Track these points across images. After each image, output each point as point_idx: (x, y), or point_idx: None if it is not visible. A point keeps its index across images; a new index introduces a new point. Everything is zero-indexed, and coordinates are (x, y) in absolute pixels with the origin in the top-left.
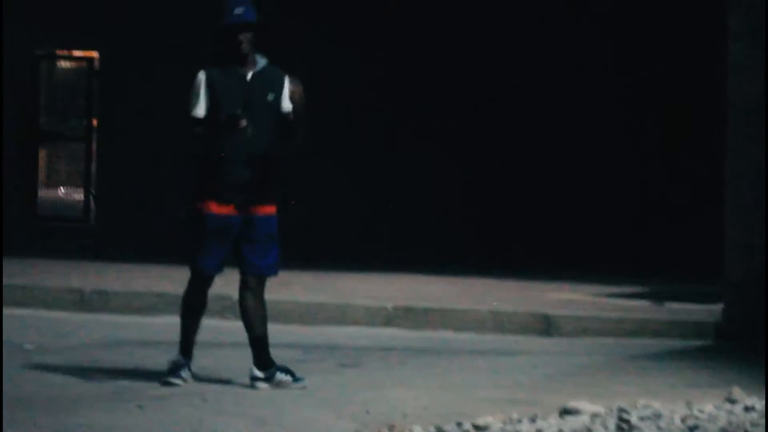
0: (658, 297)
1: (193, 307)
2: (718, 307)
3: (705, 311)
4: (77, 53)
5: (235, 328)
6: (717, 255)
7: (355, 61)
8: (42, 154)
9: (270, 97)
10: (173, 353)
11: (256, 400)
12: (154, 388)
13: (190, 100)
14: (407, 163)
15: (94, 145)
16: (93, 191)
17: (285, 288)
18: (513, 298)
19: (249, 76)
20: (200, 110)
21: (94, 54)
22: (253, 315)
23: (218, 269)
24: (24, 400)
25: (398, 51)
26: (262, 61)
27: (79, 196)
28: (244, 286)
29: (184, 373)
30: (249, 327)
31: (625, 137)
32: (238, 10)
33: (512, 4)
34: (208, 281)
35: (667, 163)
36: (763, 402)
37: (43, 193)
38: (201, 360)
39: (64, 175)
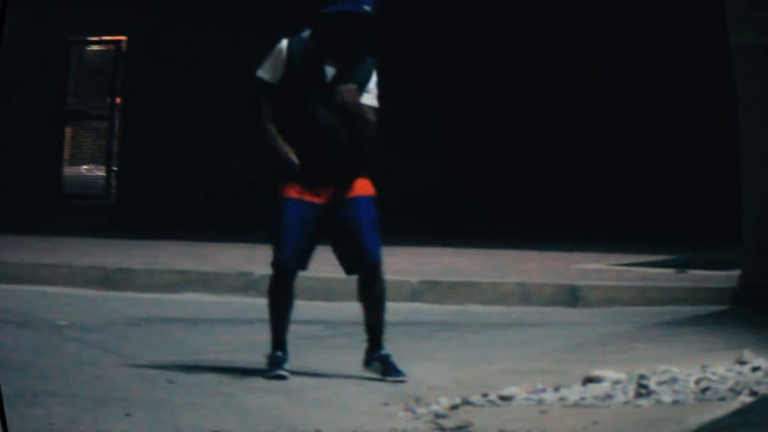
0: (679, 265)
1: (282, 303)
2: (736, 274)
3: (724, 277)
4: (105, 38)
5: (257, 305)
6: (736, 223)
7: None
8: (67, 132)
9: (353, 85)
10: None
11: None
12: (182, 363)
13: (265, 62)
14: (434, 136)
15: (116, 124)
16: (114, 168)
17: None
18: (540, 270)
19: (336, 67)
20: (268, 75)
21: (122, 38)
22: (372, 302)
23: (302, 263)
24: (62, 373)
25: (405, 50)
26: (360, 56)
27: (101, 173)
28: (350, 273)
29: (286, 365)
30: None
31: (647, 111)
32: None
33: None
34: (293, 274)
35: (687, 136)
36: None
37: (67, 170)
38: (226, 336)
39: (88, 153)
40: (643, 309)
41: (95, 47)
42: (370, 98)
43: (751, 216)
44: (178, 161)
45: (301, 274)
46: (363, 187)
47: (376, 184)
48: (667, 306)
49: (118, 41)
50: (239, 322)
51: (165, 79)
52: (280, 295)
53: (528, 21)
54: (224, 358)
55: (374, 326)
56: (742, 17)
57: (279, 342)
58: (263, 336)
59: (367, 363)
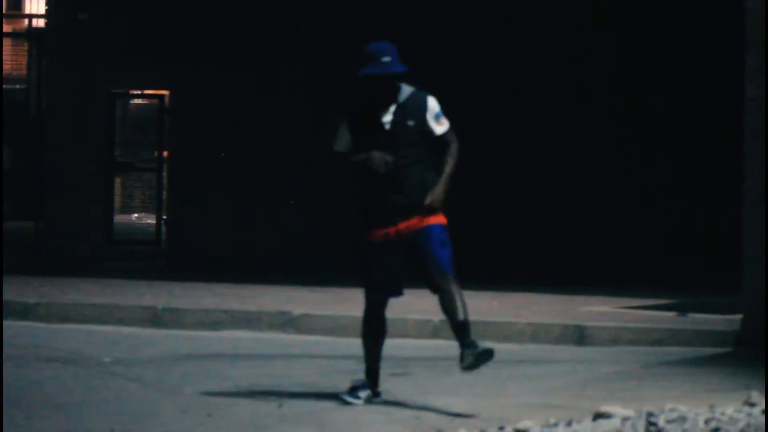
0: (682, 308)
1: (369, 332)
2: (736, 317)
3: (725, 321)
4: (149, 92)
5: (295, 341)
6: (734, 269)
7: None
8: (117, 182)
9: (410, 123)
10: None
11: (316, 406)
12: (222, 396)
13: (335, 136)
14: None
15: (164, 175)
16: (164, 216)
17: (343, 304)
18: (549, 311)
19: (390, 111)
20: (341, 147)
21: (165, 92)
22: (453, 308)
23: (390, 291)
24: (101, 408)
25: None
26: (406, 91)
27: (151, 220)
28: (434, 291)
29: (362, 393)
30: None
31: (650, 159)
32: (386, 59)
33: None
34: (381, 304)
35: (690, 186)
36: None
37: (118, 218)
38: (265, 369)
39: (138, 202)
40: (647, 349)
41: (139, 101)
42: (438, 125)
43: (752, 263)
44: (221, 209)
45: (338, 313)
46: (434, 217)
47: None
48: (669, 347)
49: (162, 95)
50: (277, 358)
51: (209, 131)
52: (370, 327)
53: (526, 61)
54: (261, 391)
55: (454, 328)
56: (762, 75)
57: (368, 370)
58: (298, 370)
59: (461, 358)
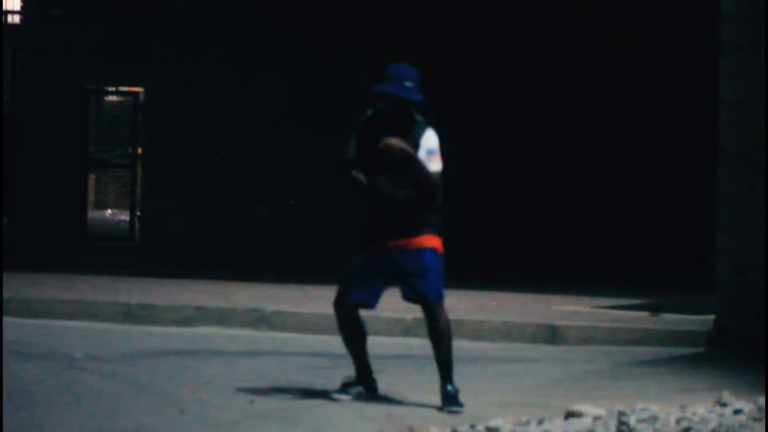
0: (654, 308)
1: (348, 333)
2: (708, 318)
3: (697, 321)
4: (123, 88)
5: (267, 338)
6: (706, 270)
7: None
8: (91, 179)
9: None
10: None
11: (288, 403)
12: (194, 393)
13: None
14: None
15: (138, 171)
16: (138, 213)
17: (315, 302)
18: (522, 310)
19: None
20: (350, 155)
21: (140, 89)
22: (432, 339)
23: (361, 301)
24: (72, 403)
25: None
26: (415, 121)
27: (125, 217)
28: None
29: (352, 390)
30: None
31: (622, 159)
32: (408, 84)
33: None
34: (352, 309)
35: (662, 187)
36: (751, 405)
37: (92, 214)
38: (237, 366)
39: (112, 199)
40: (620, 349)
41: (113, 97)
42: (429, 161)
43: (725, 264)
44: (195, 205)
45: (310, 311)
46: (427, 241)
47: None
48: (641, 347)
49: (136, 92)
50: (249, 355)
51: (184, 128)
52: (348, 329)
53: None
54: (233, 388)
55: (439, 362)
56: (738, 77)
57: (358, 368)
58: (270, 367)
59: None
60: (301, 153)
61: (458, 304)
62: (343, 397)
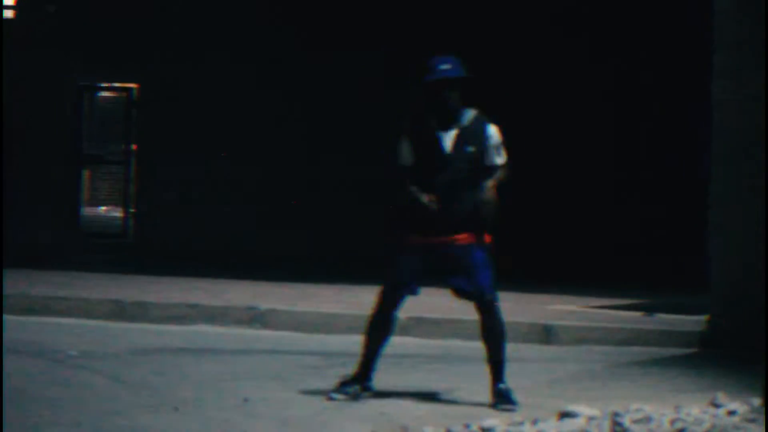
0: (648, 308)
1: (378, 326)
2: (702, 318)
3: (691, 322)
4: (117, 84)
5: (261, 336)
6: (700, 270)
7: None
8: (85, 175)
9: (469, 149)
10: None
11: (282, 404)
12: (188, 391)
13: (398, 152)
14: None
15: (132, 168)
16: (132, 209)
17: (309, 300)
18: (515, 310)
19: (452, 133)
20: (404, 161)
21: (134, 85)
22: (484, 337)
23: (410, 294)
24: (68, 401)
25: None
26: (468, 114)
27: (119, 213)
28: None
29: (350, 389)
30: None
31: (619, 161)
32: (444, 66)
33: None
34: (396, 303)
35: (658, 187)
36: (745, 406)
37: (86, 211)
38: (231, 364)
39: (106, 195)
40: (613, 349)
41: (107, 93)
42: (497, 156)
43: (719, 264)
44: (189, 202)
45: (304, 309)
46: (482, 237)
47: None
48: (635, 347)
49: (130, 88)
50: (243, 353)
51: (177, 125)
52: (379, 322)
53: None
54: (227, 386)
55: (491, 361)
56: (731, 76)
57: (364, 363)
58: (264, 365)
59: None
60: (299, 152)
61: (452, 303)
62: (341, 396)
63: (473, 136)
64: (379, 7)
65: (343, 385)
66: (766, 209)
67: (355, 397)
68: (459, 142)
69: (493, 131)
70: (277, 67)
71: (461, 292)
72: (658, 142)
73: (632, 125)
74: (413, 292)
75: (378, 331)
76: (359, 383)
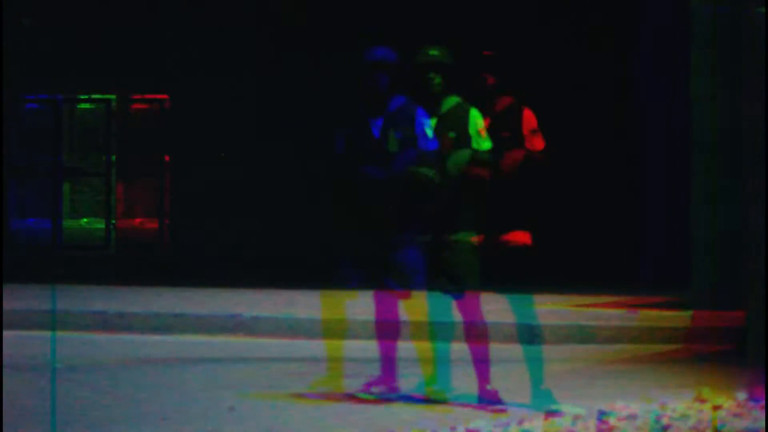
0: (632, 306)
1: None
2: (686, 315)
3: (675, 318)
4: (97, 96)
5: (245, 344)
6: (682, 268)
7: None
8: (65, 188)
9: (451, 135)
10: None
11: (267, 409)
12: (174, 400)
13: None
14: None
15: (113, 179)
16: (113, 221)
17: (293, 306)
18: (499, 309)
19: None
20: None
21: (113, 96)
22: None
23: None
24: (55, 414)
25: None
26: (451, 101)
27: (100, 225)
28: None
29: (375, 389)
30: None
31: (595, 162)
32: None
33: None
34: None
35: (639, 184)
36: (731, 401)
37: (67, 223)
38: (216, 372)
39: (87, 207)
40: (598, 347)
41: (86, 105)
42: (480, 140)
43: (701, 262)
44: (175, 214)
45: (288, 315)
46: (468, 234)
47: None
48: (621, 344)
49: (109, 100)
50: (228, 361)
51: (157, 135)
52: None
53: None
54: (212, 395)
55: (476, 362)
56: (709, 73)
57: (383, 365)
58: (249, 373)
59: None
60: (285, 160)
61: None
62: (367, 395)
63: (455, 122)
64: (382, 7)
65: (369, 385)
66: (766, 209)
67: (381, 395)
68: (439, 128)
69: (473, 114)
70: (259, 75)
71: (445, 290)
72: (642, 139)
73: (611, 121)
74: (406, 296)
75: (390, 335)
76: (386, 383)
